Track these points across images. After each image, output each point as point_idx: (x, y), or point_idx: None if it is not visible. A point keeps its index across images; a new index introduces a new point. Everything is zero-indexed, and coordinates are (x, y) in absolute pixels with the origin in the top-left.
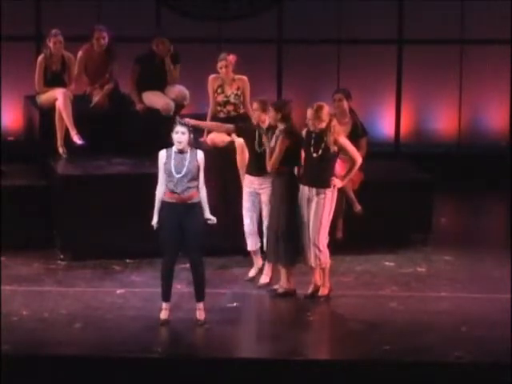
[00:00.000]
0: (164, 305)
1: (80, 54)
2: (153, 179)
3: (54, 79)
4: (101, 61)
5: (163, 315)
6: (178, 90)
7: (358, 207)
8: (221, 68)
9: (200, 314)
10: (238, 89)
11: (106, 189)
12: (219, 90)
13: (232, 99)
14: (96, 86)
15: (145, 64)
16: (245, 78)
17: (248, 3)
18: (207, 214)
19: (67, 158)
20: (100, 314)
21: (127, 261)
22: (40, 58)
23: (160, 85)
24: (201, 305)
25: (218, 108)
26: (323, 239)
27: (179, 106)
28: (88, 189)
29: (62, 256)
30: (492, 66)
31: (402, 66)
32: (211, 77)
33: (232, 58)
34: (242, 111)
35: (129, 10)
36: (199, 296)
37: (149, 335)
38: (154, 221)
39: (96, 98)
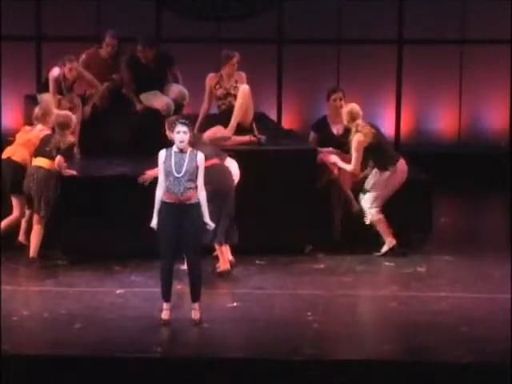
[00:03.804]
0: (165, 305)
1: (83, 57)
2: (153, 180)
3: (65, 90)
4: (105, 66)
5: (164, 315)
6: (178, 90)
7: (355, 206)
8: (232, 65)
9: (195, 314)
10: (236, 82)
11: (107, 190)
12: (217, 86)
13: (232, 91)
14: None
15: (133, 68)
16: (242, 73)
17: (248, 3)
18: (206, 219)
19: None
20: (100, 314)
21: (127, 261)
22: (54, 76)
23: (155, 85)
24: (196, 305)
25: (219, 102)
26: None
27: (179, 105)
28: (88, 190)
29: (62, 257)
30: (492, 66)
31: (402, 66)
32: (209, 75)
33: (236, 59)
34: None
35: (129, 10)
36: (195, 297)
37: (149, 335)
38: (154, 222)
39: (94, 99)
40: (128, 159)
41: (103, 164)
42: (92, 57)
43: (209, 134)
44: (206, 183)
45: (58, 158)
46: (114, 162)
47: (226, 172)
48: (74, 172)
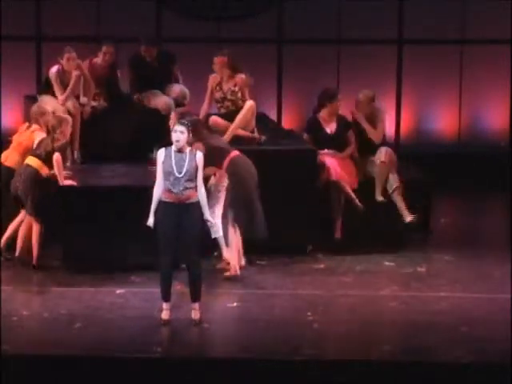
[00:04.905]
0: (164, 305)
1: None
2: (151, 191)
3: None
4: (102, 75)
5: (164, 315)
6: (179, 89)
7: (358, 204)
8: (215, 64)
9: (195, 314)
10: (235, 85)
11: (106, 200)
12: (217, 88)
13: (228, 96)
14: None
15: (137, 67)
16: (243, 76)
17: (248, 3)
18: (206, 215)
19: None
20: (100, 314)
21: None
22: (53, 72)
23: (158, 83)
24: (196, 305)
25: (218, 105)
26: None
27: (180, 105)
28: (87, 200)
29: (63, 264)
30: (492, 66)
31: (402, 66)
32: (211, 76)
33: (217, 59)
34: (242, 105)
35: (129, 10)
36: (195, 297)
37: (149, 335)
38: (150, 220)
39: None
40: (129, 165)
41: (103, 173)
42: (88, 68)
43: (214, 118)
44: (231, 174)
45: (56, 155)
46: (116, 171)
47: (250, 163)
48: (73, 182)
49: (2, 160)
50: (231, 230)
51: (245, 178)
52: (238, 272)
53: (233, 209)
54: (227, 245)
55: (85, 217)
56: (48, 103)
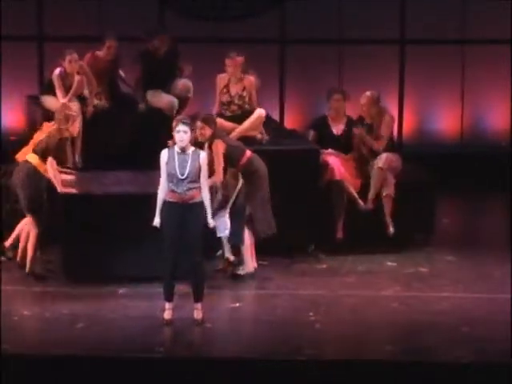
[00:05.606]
0: (167, 305)
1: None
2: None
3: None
4: (104, 68)
5: (167, 315)
6: (182, 82)
7: (361, 204)
8: (228, 66)
9: (197, 314)
10: (243, 89)
11: (108, 208)
12: (225, 90)
13: (236, 100)
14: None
15: (146, 62)
16: (252, 78)
17: (248, 3)
18: (208, 218)
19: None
20: (102, 313)
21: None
22: (56, 75)
23: (166, 79)
24: (199, 305)
25: (224, 107)
26: None
27: (184, 99)
28: (88, 208)
29: (62, 272)
30: (493, 66)
31: (405, 66)
32: (219, 76)
33: (240, 59)
34: (248, 108)
35: (130, 10)
36: (198, 297)
37: (151, 335)
38: (156, 221)
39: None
40: (131, 172)
41: (105, 180)
42: (90, 61)
43: (219, 121)
44: (250, 172)
45: (49, 160)
46: (119, 178)
47: (263, 163)
48: (72, 189)
49: (18, 156)
50: (246, 228)
51: (261, 176)
52: (253, 269)
53: (250, 207)
54: (242, 242)
55: (86, 225)
56: (53, 104)
